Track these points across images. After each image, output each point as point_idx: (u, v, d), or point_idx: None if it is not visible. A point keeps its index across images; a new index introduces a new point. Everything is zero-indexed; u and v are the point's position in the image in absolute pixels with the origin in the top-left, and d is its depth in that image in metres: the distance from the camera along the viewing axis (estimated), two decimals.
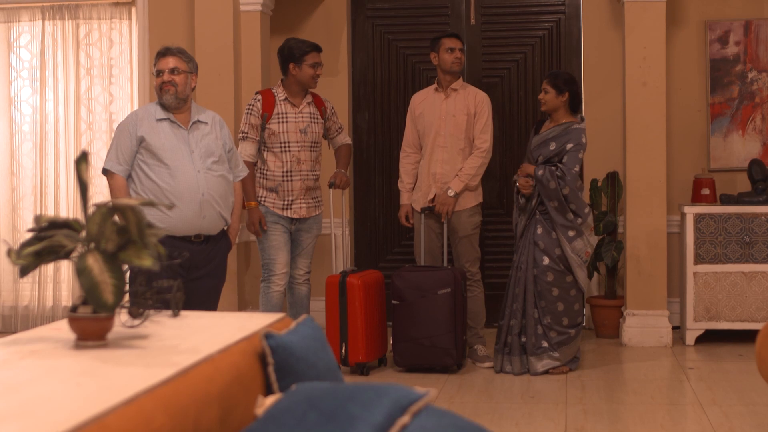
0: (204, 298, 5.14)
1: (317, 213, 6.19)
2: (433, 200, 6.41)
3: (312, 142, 6.14)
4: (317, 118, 6.18)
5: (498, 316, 6.40)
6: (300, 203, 6.07)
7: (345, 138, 6.44)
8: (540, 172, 6.11)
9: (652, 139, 6.90)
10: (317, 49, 6.16)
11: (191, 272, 5.05)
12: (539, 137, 6.24)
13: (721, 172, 7.35)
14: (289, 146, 6.05)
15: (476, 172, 6.40)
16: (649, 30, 6.89)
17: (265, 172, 6.06)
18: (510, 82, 7.68)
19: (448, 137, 6.43)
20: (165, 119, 5.11)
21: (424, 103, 6.56)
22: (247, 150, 6.00)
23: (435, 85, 6.58)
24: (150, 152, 5.05)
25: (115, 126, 7.71)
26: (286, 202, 6.04)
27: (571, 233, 6.11)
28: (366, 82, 7.87)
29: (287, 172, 6.04)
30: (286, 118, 6.07)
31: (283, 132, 6.04)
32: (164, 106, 5.12)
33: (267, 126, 6.04)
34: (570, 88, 6.20)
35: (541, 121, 6.39)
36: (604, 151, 7.39)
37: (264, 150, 6.07)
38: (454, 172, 6.38)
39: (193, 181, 5.05)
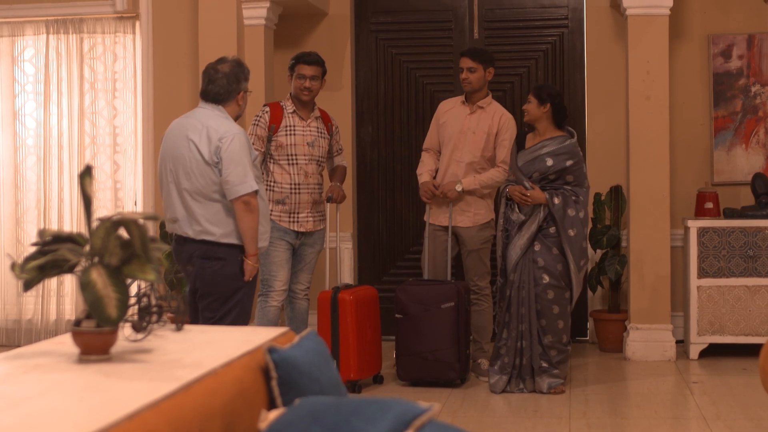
0: None
1: (322, 227, 6.14)
2: (437, 187, 6.38)
3: (319, 156, 6.08)
4: (324, 134, 6.13)
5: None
6: (307, 216, 6.02)
7: (342, 160, 6.36)
8: (557, 201, 5.98)
9: (656, 153, 6.90)
10: (307, 61, 6.06)
11: None
12: (529, 152, 6.13)
13: (724, 186, 7.34)
14: (296, 159, 6.00)
15: (493, 183, 6.35)
16: (652, 44, 6.90)
17: (271, 184, 5.99)
18: (513, 96, 7.68)
19: (465, 153, 6.37)
20: None
21: (449, 114, 6.51)
22: None
23: (463, 97, 6.55)
24: (258, 169, 5.05)
25: (119, 140, 7.73)
26: (293, 215, 5.99)
27: (582, 262, 6.03)
28: (369, 97, 7.88)
29: (295, 185, 5.99)
30: (294, 130, 6.03)
31: (291, 144, 6.00)
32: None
33: (274, 138, 5.99)
34: (552, 100, 6.15)
35: (522, 134, 6.28)
36: (607, 164, 7.39)
37: (270, 162, 6.02)
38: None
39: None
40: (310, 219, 6.03)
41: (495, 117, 6.41)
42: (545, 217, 6.00)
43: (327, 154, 6.21)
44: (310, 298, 6.22)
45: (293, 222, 5.98)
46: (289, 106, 6.08)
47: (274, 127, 6.00)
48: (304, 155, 6.02)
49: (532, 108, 6.11)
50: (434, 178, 6.47)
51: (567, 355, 6.09)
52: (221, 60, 5.05)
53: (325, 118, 6.20)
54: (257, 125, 6.02)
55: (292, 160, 6.00)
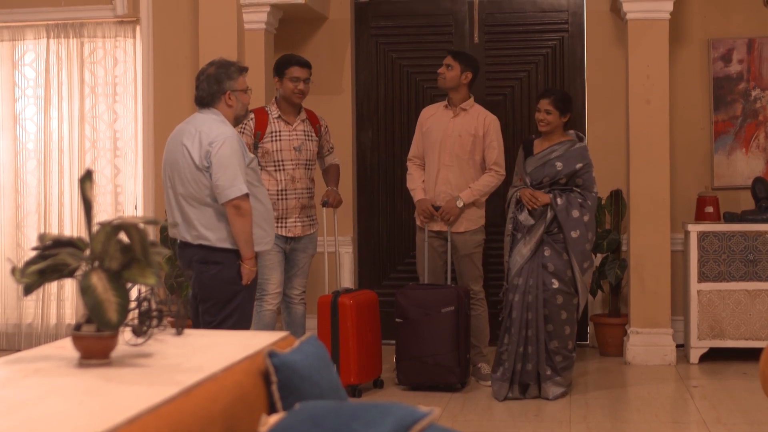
0: None
1: (312, 231, 6.08)
2: (437, 208, 6.36)
3: (307, 160, 6.02)
4: (311, 136, 6.07)
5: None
6: (295, 221, 5.96)
7: (334, 158, 6.32)
8: (560, 201, 5.98)
9: (656, 157, 6.90)
10: (300, 63, 6.03)
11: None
12: (538, 157, 6.13)
13: (724, 190, 7.34)
14: (283, 164, 5.94)
15: (489, 189, 6.37)
16: (652, 48, 6.90)
17: None
18: (513, 100, 7.69)
19: (454, 157, 6.37)
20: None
21: (432, 119, 6.51)
22: None
23: (445, 102, 6.55)
24: (255, 173, 4.97)
25: (120, 144, 7.73)
26: (281, 221, 5.93)
27: (585, 264, 6.02)
28: (369, 101, 7.88)
29: (281, 190, 5.93)
30: (280, 136, 5.96)
31: (277, 150, 5.93)
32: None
33: (260, 145, 5.92)
34: (571, 108, 6.18)
35: (530, 141, 6.29)
36: (607, 169, 7.38)
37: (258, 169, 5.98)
38: (460, 191, 6.33)
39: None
40: (298, 224, 5.98)
41: (479, 119, 6.41)
42: (552, 220, 6.00)
43: (317, 155, 6.16)
44: (307, 303, 6.20)
45: (281, 227, 5.92)
46: (274, 111, 6.02)
47: (259, 134, 5.94)
48: (291, 160, 5.95)
49: (554, 119, 6.09)
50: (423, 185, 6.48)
51: (572, 361, 6.06)
52: (210, 63, 5.05)
53: (312, 120, 6.13)
54: (243, 133, 5.92)
55: (279, 165, 5.94)
